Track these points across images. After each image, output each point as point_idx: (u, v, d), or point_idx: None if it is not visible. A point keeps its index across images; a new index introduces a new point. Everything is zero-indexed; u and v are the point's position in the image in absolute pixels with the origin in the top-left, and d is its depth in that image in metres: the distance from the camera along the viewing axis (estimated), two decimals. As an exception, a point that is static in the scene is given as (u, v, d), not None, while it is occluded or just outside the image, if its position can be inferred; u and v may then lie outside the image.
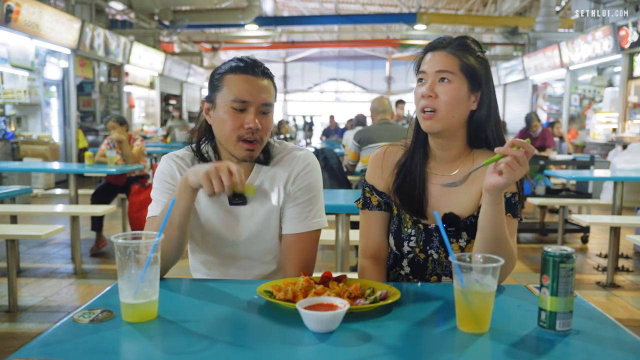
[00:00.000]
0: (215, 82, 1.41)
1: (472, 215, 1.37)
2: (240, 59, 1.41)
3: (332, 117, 13.39)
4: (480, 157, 1.38)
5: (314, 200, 1.46)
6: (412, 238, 1.41)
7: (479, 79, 1.32)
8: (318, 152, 4.67)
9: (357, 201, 1.49)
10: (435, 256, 1.41)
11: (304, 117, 22.66)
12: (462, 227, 1.36)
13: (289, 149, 1.50)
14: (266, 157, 1.47)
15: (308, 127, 19.52)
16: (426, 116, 1.31)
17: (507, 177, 1.09)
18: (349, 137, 6.17)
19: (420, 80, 1.34)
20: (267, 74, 1.42)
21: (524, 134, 6.84)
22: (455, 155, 1.40)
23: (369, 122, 5.36)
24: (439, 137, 1.37)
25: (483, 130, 1.36)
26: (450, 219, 1.34)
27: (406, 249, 1.42)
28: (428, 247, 1.41)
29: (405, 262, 1.45)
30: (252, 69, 1.38)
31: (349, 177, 4.82)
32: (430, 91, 1.30)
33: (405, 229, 1.42)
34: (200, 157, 1.46)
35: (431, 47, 1.34)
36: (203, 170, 1.18)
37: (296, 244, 1.43)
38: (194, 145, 1.47)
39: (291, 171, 1.46)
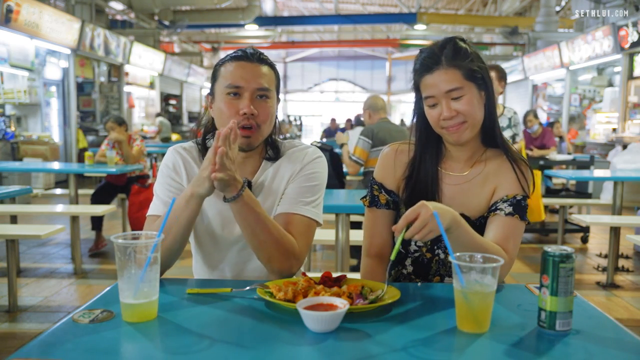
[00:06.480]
0: (214, 75, 1.41)
1: (482, 216, 1.36)
2: (238, 50, 1.40)
3: (333, 120, 13.80)
4: (492, 157, 1.39)
5: (314, 189, 1.41)
6: None
7: (482, 76, 1.31)
8: None
9: (363, 198, 1.47)
10: (442, 256, 1.40)
11: (288, 116, 23.29)
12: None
13: (297, 146, 1.48)
14: (276, 153, 1.45)
15: (298, 128, 20.38)
16: (454, 130, 1.30)
17: (425, 235, 1.10)
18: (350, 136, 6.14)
19: (432, 105, 1.31)
20: (263, 60, 1.39)
21: (523, 132, 6.86)
22: (471, 154, 1.39)
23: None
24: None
25: (493, 121, 1.35)
26: None
27: (413, 247, 1.42)
28: (436, 247, 1.40)
29: (408, 262, 1.44)
30: (246, 55, 1.37)
31: (348, 178, 4.80)
32: (450, 112, 1.28)
33: None
34: (206, 153, 1.46)
35: (427, 69, 1.30)
36: (205, 174, 1.20)
37: (286, 226, 1.34)
38: (199, 140, 1.46)
39: (299, 163, 1.43)
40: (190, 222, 1.28)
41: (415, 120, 1.41)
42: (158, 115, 13.18)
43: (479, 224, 1.35)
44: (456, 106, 1.28)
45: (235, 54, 1.39)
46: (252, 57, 1.37)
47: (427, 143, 1.40)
